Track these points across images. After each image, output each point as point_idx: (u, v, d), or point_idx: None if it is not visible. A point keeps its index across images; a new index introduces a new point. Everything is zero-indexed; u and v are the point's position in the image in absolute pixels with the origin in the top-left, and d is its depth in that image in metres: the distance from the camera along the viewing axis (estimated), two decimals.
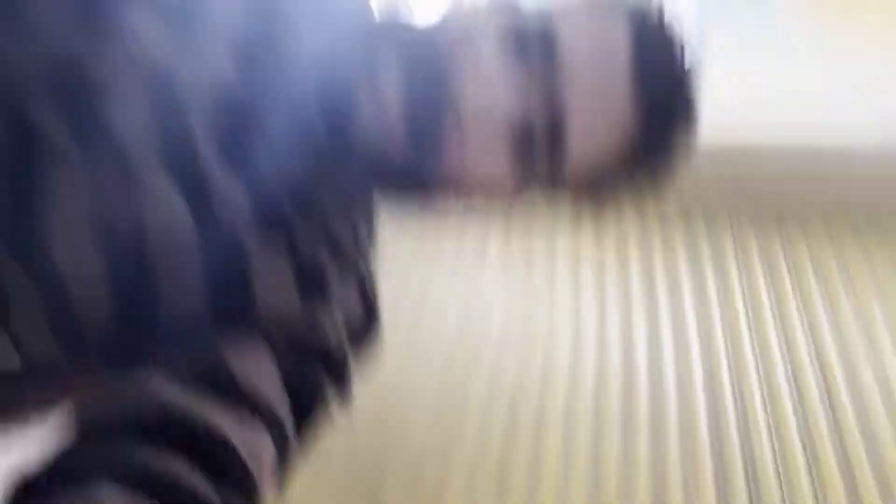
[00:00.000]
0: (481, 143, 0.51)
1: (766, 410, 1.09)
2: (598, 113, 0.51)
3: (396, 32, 0.54)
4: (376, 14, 0.58)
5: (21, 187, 0.43)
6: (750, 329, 1.22)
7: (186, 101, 0.46)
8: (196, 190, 0.46)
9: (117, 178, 0.44)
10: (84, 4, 0.45)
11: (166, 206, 0.45)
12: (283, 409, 0.47)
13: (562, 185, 0.55)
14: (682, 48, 0.53)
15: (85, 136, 0.43)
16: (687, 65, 0.53)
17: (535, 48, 0.51)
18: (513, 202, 0.57)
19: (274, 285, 0.48)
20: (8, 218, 0.42)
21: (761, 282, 1.29)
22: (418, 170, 0.51)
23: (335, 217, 0.54)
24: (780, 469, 1.01)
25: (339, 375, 0.51)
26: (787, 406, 1.09)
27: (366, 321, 0.55)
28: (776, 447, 1.04)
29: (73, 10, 0.45)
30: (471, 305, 1.28)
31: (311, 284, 0.50)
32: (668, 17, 0.54)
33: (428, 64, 0.50)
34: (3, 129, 0.42)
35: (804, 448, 1.03)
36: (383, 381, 1.12)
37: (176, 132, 0.46)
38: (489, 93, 0.50)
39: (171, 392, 0.43)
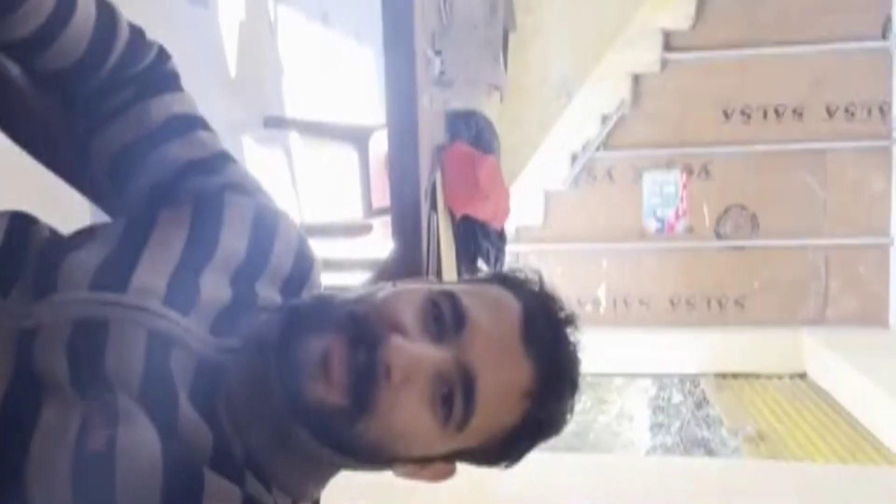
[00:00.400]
0: (408, 397, 0.60)
1: None
2: (500, 367, 0.62)
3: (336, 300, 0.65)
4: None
5: (15, 418, 0.55)
6: None
7: (172, 355, 0.60)
8: (166, 423, 0.56)
9: (99, 409, 0.55)
10: (104, 278, 0.61)
11: (139, 433, 0.55)
12: None
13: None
14: (564, 312, 0.67)
15: (79, 377, 0.56)
16: (567, 322, 0.67)
17: (448, 317, 0.62)
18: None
19: None
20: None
21: None
22: (351, 422, 0.59)
23: (281, 479, 0.63)
24: None
25: None
26: None
27: None
28: None
29: (95, 283, 0.61)
30: None
31: None
32: (549, 287, 0.68)
33: (367, 333, 0.60)
34: (13, 374, 0.57)
35: None
36: None
37: (159, 378, 0.58)
38: (414, 356, 0.60)
39: None
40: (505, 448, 0.66)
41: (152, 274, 0.63)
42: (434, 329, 0.62)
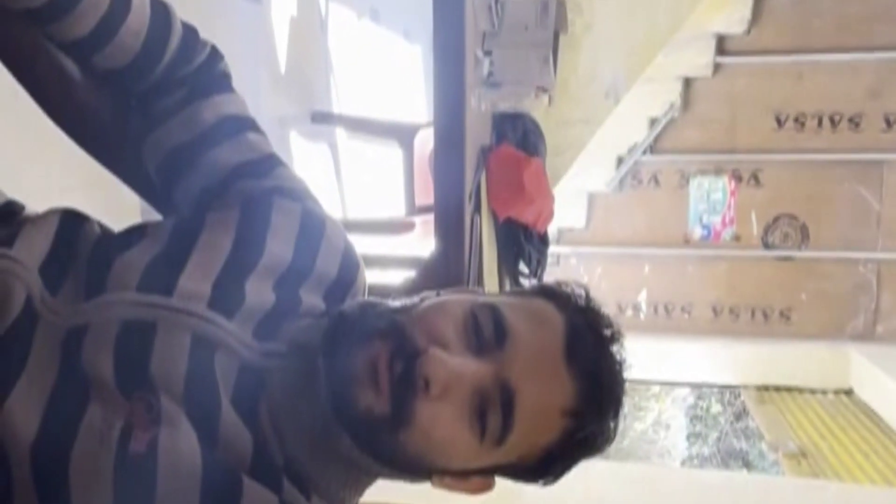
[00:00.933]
0: (447, 410, 0.60)
1: None
2: (541, 383, 0.61)
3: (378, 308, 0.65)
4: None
5: (61, 416, 0.55)
6: None
7: (215, 358, 0.60)
8: (207, 427, 0.57)
9: (142, 411, 0.56)
10: (152, 279, 0.61)
11: (180, 436, 0.55)
12: None
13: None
14: (610, 329, 0.66)
15: (125, 378, 0.57)
16: (612, 340, 0.65)
17: (489, 330, 0.62)
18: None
19: None
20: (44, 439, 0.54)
21: None
22: (394, 431, 0.59)
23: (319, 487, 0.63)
24: None
25: None
26: None
27: None
28: None
29: (143, 284, 0.61)
30: None
31: None
32: (595, 302, 0.67)
33: (407, 344, 0.60)
34: (60, 371, 0.57)
35: None
36: None
37: (202, 381, 0.59)
38: (454, 369, 0.59)
39: None
40: (544, 465, 0.65)
41: (198, 277, 0.63)
42: (475, 342, 0.62)
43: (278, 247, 0.68)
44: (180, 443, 0.55)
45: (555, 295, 0.67)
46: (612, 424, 0.66)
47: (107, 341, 0.58)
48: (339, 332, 0.62)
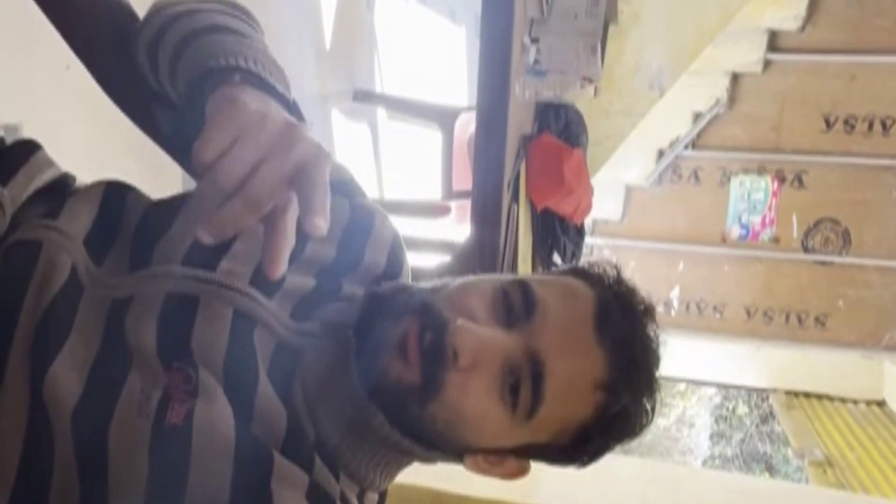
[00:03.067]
0: (477, 382, 0.60)
1: None
2: (571, 355, 0.61)
3: (407, 290, 0.65)
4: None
5: (103, 384, 0.56)
6: None
7: (255, 334, 0.61)
8: (243, 401, 0.57)
9: (180, 382, 0.56)
10: (196, 256, 0.62)
11: (215, 409, 0.55)
12: None
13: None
14: (642, 304, 0.65)
15: (166, 349, 0.58)
16: (645, 315, 0.65)
17: (519, 304, 0.62)
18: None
19: (289, 496, 0.56)
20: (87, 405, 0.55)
21: None
22: (423, 402, 0.59)
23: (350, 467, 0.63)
24: None
25: None
26: None
27: None
28: None
29: (188, 259, 0.62)
30: None
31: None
32: (626, 279, 0.66)
33: (436, 317, 0.61)
34: (103, 341, 0.58)
35: None
36: None
37: (241, 355, 0.59)
38: (482, 339, 0.60)
39: None
40: (578, 444, 0.64)
41: (241, 261, 0.64)
42: (504, 317, 0.62)
43: (322, 244, 0.68)
44: (215, 416, 0.55)
45: (586, 273, 0.67)
46: (647, 403, 0.64)
47: (151, 312, 0.59)
48: (371, 310, 0.63)
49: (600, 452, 0.66)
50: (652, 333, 0.65)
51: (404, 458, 0.66)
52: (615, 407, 0.62)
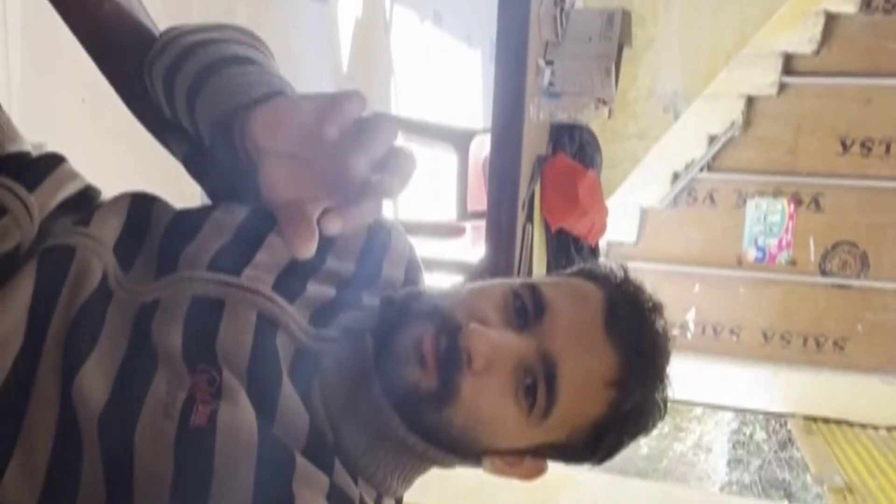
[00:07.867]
0: (492, 385, 0.61)
1: None
2: (582, 353, 0.62)
3: (421, 297, 0.67)
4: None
5: (129, 387, 0.57)
6: None
7: (277, 338, 0.62)
8: (267, 403, 0.58)
9: (204, 384, 0.57)
10: (221, 262, 0.64)
11: (238, 411, 0.56)
12: None
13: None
14: (649, 301, 0.67)
15: (191, 351, 0.58)
16: (653, 311, 0.66)
17: (531, 309, 0.63)
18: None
19: (310, 498, 0.56)
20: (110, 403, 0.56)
21: None
22: (440, 407, 0.61)
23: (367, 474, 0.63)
24: None
25: None
26: None
27: None
28: None
29: (213, 265, 0.63)
30: None
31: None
32: (634, 277, 0.68)
33: (449, 322, 0.62)
34: (130, 344, 0.59)
35: None
36: None
37: (265, 358, 0.60)
38: (494, 342, 0.61)
39: None
40: (592, 442, 0.65)
41: (263, 270, 0.65)
42: (516, 320, 0.63)
43: (339, 260, 0.70)
44: (238, 418, 0.56)
45: (593, 274, 0.69)
46: (658, 398, 0.66)
47: (177, 315, 0.60)
48: (387, 316, 0.64)
49: (615, 449, 0.67)
50: (660, 329, 0.66)
51: (423, 464, 0.66)
52: (628, 403, 0.63)
